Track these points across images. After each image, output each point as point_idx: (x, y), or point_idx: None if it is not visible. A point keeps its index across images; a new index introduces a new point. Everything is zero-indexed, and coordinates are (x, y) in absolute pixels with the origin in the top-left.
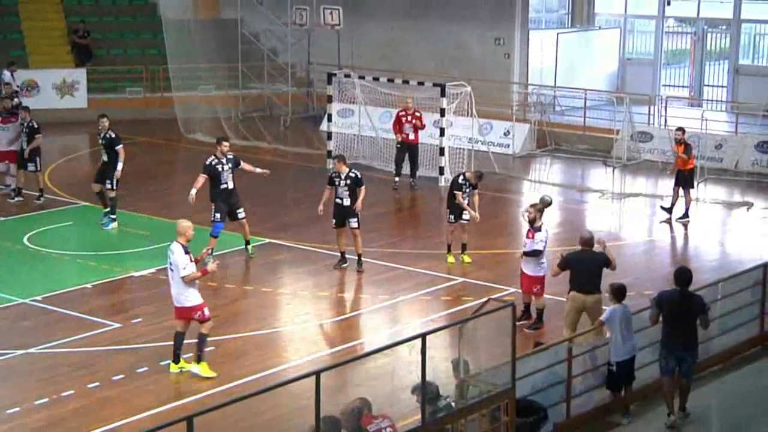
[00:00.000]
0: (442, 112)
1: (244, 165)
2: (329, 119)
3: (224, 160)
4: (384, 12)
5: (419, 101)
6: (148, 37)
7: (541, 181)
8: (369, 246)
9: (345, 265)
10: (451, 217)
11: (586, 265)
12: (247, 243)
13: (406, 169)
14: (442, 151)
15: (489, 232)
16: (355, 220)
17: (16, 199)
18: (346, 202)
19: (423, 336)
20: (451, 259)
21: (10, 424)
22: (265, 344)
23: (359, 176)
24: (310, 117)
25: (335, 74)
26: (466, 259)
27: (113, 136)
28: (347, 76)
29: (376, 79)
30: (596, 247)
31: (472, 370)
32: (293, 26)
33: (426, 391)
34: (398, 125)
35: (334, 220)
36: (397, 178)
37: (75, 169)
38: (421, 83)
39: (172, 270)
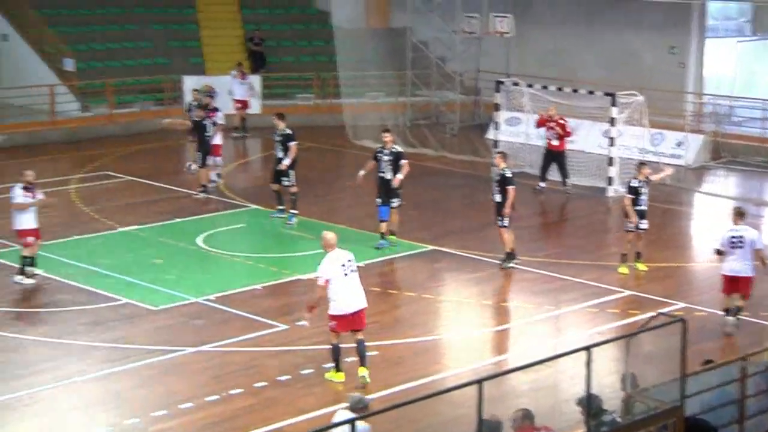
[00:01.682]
0: (612, 122)
1: (402, 163)
2: (496, 127)
3: (386, 151)
4: (554, 19)
5: (588, 110)
6: (319, 45)
7: (715, 194)
8: (535, 255)
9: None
10: (630, 225)
11: None
12: (392, 233)
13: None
14: (611, 161)
15: (658, 244)
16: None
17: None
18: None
19: (588, 348)
20: (624, 269)
21: (183, 418)
22: (426, 351)
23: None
24: (477, 125)
25: (503, 82)
26: (642, 267)
27: (289, 132)
28: (515, 84)
29: (544, 87)
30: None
31: (639, 386)
32: (463, 34)
33: (590, 405)
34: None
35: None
36: (541, 183)
37: (248, 173)
38: (590, 92)
39: (354, 271)
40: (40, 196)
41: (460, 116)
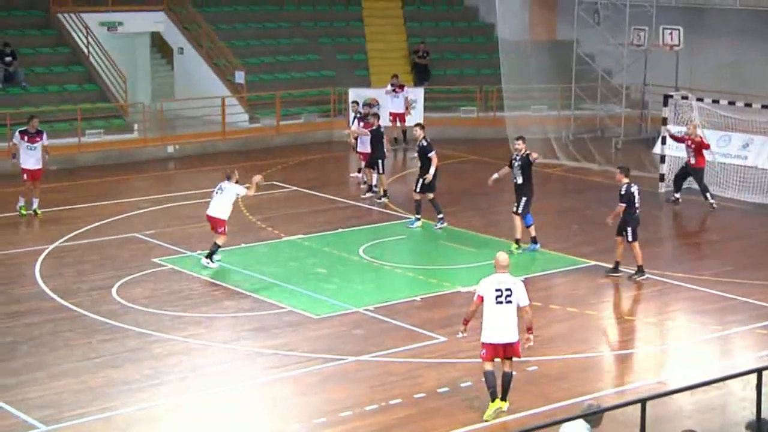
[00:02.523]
0: None
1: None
2: (663, 142)
3: (516, 156)
4: (726, 31)
5: (762, 125)
6: (484, 58)
7: None
8: (701, 274)
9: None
10: None
11: None
12: (516, 241)
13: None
14: None
15: None
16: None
17: (373, 197)
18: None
19: (759, 371)
20: None
21: (344, 426)
22: (587, 368)
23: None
24: (643, 139)
25: (672, 96)
26: None
27: (425, 144)
28: (684, 97)
29: (715, 101)
30: None
31: None
32: (630, 47)
33: (761, 430)
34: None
35: None
36: (676, 194)
37: (409, 185)
38: (765, 106)
39: (509, 302)
40: None
41: (625, 130)
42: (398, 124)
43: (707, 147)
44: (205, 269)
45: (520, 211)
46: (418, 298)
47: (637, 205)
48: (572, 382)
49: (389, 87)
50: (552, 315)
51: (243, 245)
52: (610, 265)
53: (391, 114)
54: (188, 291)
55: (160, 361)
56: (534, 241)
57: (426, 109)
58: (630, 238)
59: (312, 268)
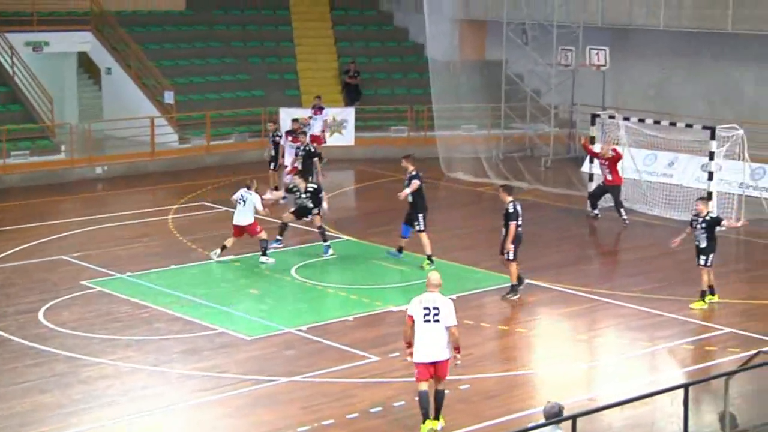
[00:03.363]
0: (711, 156)
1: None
2: (591, 160)
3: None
4: (652, 52)
5: (687, 144)
6: (414, 78)
7: None
8: (630, 290)
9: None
10: (703, 259)
11: None
12: (428, 257)
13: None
14: (710, 196)
15: (759, 281)
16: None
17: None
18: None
19: (686, 386)
20: (702, 305)
21: None
22: (519, 385)
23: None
24: (572, 158)
25: (599, 115)
26: (715, 299)
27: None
28: (611, 117)
29: (641, 120)
30: None
31: (738, 426)
32: (558, 67)
33: None
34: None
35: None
36: (595, 210)
37: (340, 205)
38: (689, 125)
39: (437, 321)
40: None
41: (554, 149)
42: (315, 145)
43: (620, 157)
44: (263, 264)
45: (423, 228)
46: (350, 318)
47: (520, 223)
48: (504, 400)
49: (310, 111)
50: (484, 333)
51: (173, 266)
52: (543, 283)
53: (310, 136)
54: (117, 313)
55: (89, 385)
56: (399, 250)
57: (357, 128)
58: (511, 257)
59: (244, 288)
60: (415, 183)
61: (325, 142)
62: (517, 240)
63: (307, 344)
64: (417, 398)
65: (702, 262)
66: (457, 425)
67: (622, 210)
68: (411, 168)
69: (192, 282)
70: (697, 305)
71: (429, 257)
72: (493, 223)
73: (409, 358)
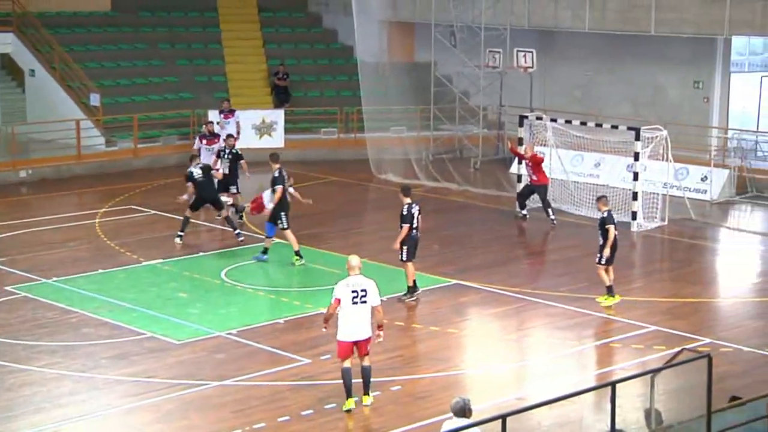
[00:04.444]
0: (636, 156)
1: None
2: (519, 162)
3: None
4: (578, 54)
5: (613, 144)
6: (343, 79)
7: (741, 229)
8: (558, 290)
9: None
10: (597, 257)
11: None
12: (296, 253)
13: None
14: (635, 196)
15: (683, 280)
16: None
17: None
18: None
19: (613, 384)
20: (608, 300)
21: None
22: (450, 386)
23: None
24: (500, 159)
25: (527, 116)
26: (615, 299)
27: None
28: (539, 118)
29: (568, 121)
30: None
31: (664, 422)
32: (486, 69)
33: None
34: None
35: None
36: (523, 211)
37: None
38: (614, 126)
39: (364, 302)
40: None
41: (483, 150)
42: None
43: (541, 160)
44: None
45: (286, 226)
46: (281, 321)
47: (416, 225)
48: (436, 401)
49: (219, 114)
50: (415, 334)
51: (101, 271)
52: (473, 284)
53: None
54: (43, 319)
55: (14, 392)
56: (265, 252)
57: (287, 130)
58: (404, 258)
59: (173, 292)
60: (279, 189)
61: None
62: (411, 242)
63: (238, 348)
64: (341, 376)
65: (596, 260)
66: (389, 426)
67: (549, 210)
68: (275, 166)
69: (120, 286)
70: (604, 300)
71: (297, 252)
72: (422, 224)
73: (324, 329)
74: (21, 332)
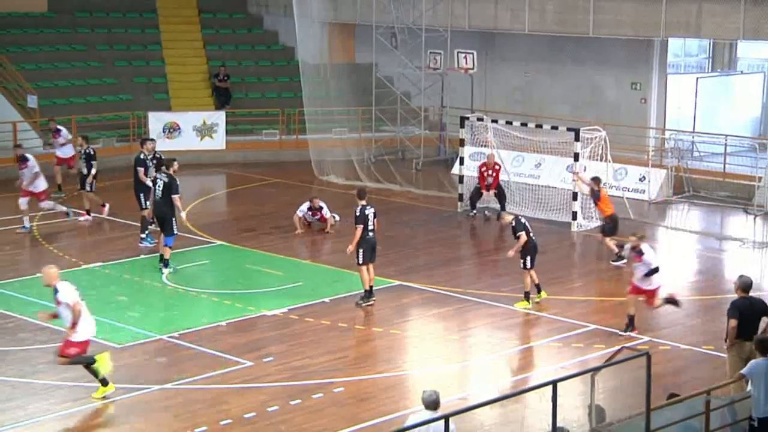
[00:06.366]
0: (576, 157)
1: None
2: (461, 162)
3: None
4: (518, 56)
5: (552, 145)
6: (284, 81)
7: (678, 228)
8: (500, 290)
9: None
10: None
11: (755, 312)
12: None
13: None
14: (575, 196)
15: (623, 279)
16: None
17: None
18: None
19: (554, 383)
20: (525, 304)
21: None
22: (393, 387)
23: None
24: (442, 160)
25: (468, 118)
26: (542, 295)
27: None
28: (480, 119)
29: (509, 122)
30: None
31: (605, 420)
32: (427, 70)
33: None
34: (481, 179)
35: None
36: (474, 211)
37: (211, 209)
38: (554, 127)
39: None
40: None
41: (425, 152)
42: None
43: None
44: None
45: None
46: (223, 323)
47: (371, 227)
48: (378, 402)
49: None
50: (357, 335)
51: (39, 274)
52: (415, 285)
53: (58, 158)
54: None
55: None
56: (166, 264)
57: (228, 132)
58: (360, 261)
59: (112, 296)
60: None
61: (72, 167)
62: (366, 244)
63: (180, 351)
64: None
65: (521, 265)
66: (331, 428)
67: (503, 203)
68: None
69: None
70: (522, 305)
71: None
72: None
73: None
74: None
